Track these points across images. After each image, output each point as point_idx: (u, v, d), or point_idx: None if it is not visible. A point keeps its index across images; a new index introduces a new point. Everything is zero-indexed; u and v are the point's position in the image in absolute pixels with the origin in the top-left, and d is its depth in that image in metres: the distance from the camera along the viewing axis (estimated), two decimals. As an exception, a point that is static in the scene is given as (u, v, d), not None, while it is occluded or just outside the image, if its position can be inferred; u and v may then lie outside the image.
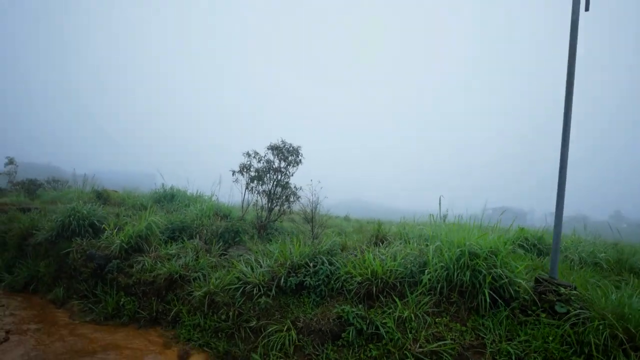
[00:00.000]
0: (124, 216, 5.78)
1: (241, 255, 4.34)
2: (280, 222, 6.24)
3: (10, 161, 12.17)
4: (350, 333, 2.93)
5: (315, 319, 3.14)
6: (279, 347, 3.05)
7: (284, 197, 6.01)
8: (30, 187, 10.33)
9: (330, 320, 3.10)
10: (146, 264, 4.28)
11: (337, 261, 3.54)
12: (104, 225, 5.03)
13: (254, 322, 3.30)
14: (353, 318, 3.00)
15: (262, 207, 6.17)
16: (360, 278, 3.26)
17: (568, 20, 3.05)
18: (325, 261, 3.50)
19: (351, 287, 3.26)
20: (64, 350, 3.38)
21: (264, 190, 6.14)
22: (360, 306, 3.11)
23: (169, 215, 5.56)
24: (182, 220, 5.49)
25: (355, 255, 3.69)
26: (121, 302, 4.12)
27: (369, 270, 3.28)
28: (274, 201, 6.09)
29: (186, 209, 6.51)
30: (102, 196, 7.78)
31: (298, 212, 5.96)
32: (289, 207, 6.09)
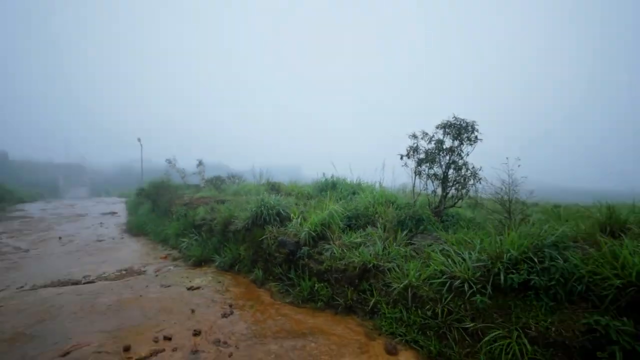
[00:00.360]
0: (302, 205, 6.14)
1: (430, 245, 3.99)
2: (459, 207, 5.65)
3: (200, 162, 14.59)
4: (617, 354, 2.23)
5: (554, 329, 2.53)
6: (509, 357, 2.57)
7: (461, 179, 5.41)
8: (217, 183, 12.21)
9: (578, 333, 2.45)
10: (335, 252, 4.35)
11: (572, 256, 2.82)
12: (291, 215, 5.41)
13: (469, 324, 2.89)
14: (616, 334, 2.29)
15: (434, 192, 5.71)
16: (618, 282, 2.48)
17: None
18: (557, 256, 2.82)
19: (604, 292, 2.52)
20: (277, 329, 3.62)
21: (434, 174, 5.67)
22: (624, 319, 2.36)
23: (343, 203, 5.62)
24: (356, 208, 5.47)
25: (597, 250, 2.89)
26: (315, 287, 4.27)
27: (633, 271, 2.46)
28: (448, 185, 5.56)
29: (353, 197, 6.54)
30: (275, 187, 8.53)
31: (480, 196, 5.27)
32: (466, 191, 5.46)
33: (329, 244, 4.55)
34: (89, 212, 15.59)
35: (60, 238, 9.74)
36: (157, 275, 5.71)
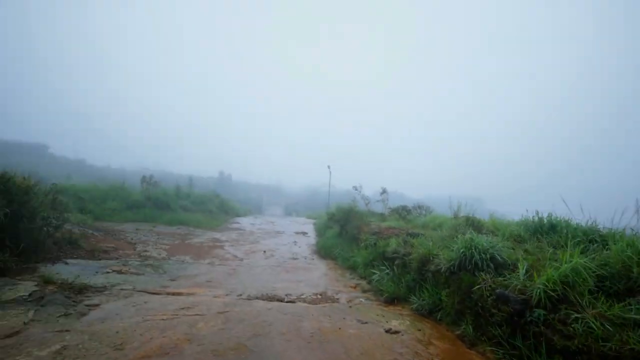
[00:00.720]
0: (520, 250, 4.99)
1: None
2: None
3: (384, 191, 14.61)
4: None
5: None
6: None
7: None
8: (402, 212, 11.83)
9: None
10: (593, 326, 3.14)
11: None
12: (508, 262, 4.41)
13: None
14: None
15: None
16: None
17: None
18: None
19: None
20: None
21: None
22: None
23: (594, 255, 4.22)
24: (608, 263, 4.01)
25: None
26: (559, 370, 3.16)
27: None
28: None
29: (590, 247, 4.92)
30: (474, 224, 7.47)
31: None
32: None
33: (578, 313, 3.36)
34: (285, 230, 17.71)
35: (264, 252, 11.17)
36: (350, 307, 5.58)
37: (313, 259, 10.67)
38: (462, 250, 4.81)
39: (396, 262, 6.54)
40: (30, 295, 4.50)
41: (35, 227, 6.57)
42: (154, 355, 3.20)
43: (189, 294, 5.60)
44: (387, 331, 4.45)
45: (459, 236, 5.34)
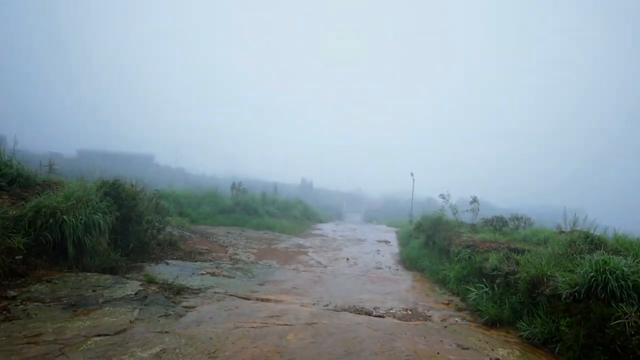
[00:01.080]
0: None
1: None
2: None
3: (474, 199, 13.46)
4: None
5: None
6: None
7: None
8: (497, 224, 10.70)
9: None
10: None
11: None
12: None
13: None
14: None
15: None
16: None
17: None
18: None
19: None
20: None
21: None
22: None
23: None
24: None
25: None
26: None
27: None
28: None
29: None
30: (592, 241, 6.33)
31: None
32: None
33: None
34: (366, 237, 17.37)
35: (347, 259, 10.98)
36: (445, 327, 5.05)
37: (398, 270, 10.18)
38: (591, 274, 4.01)
39: (497, 281, 5.81)
40: (136, 294, 4.90)
41: (141, 229, 7.30)
42: (246, 367, 3.17)
43: (277, 301, 5.63)
44: (494, 362, 3.89)
45: (585, 257, 4.49)
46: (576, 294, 4.09)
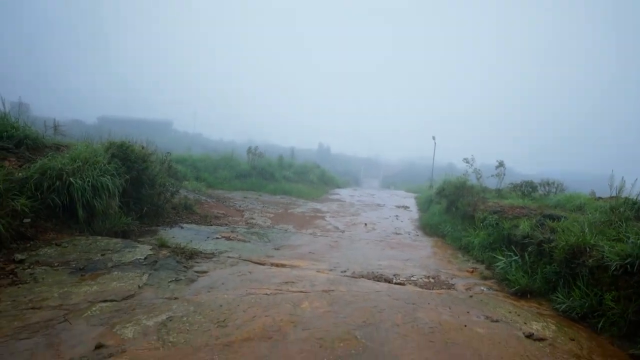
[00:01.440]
0: None
1: None
2: None
3: (500, 164, 12.72)
4: None
5: None
6: None
7: None
8: (525, 189, 10.10)
9: None
10: None
11: None
12: None
13: None
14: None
15: None
16: None
17: None
18: None
19: None
20: None
21: None
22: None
23: None
24: None
25: None
26: None
27: None
28: None
29: None
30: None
31: None
32: None
33: None
34: (385, 203, 17.01)
35: (365, 225, 10.69)
36: (471, 297, 4.72)
37: (418, 235, 9.85)
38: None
39: (529, 249, 5.37)
40: (145, 258, 4.72)
41: (154, 192, 7.11)
42: (256, 339, 2.92)
43: (292, 267, 5.40)
44: (528, 336, 3.53)
45: (632, 224, 3.98)
46: (628, 265, 3.62)
